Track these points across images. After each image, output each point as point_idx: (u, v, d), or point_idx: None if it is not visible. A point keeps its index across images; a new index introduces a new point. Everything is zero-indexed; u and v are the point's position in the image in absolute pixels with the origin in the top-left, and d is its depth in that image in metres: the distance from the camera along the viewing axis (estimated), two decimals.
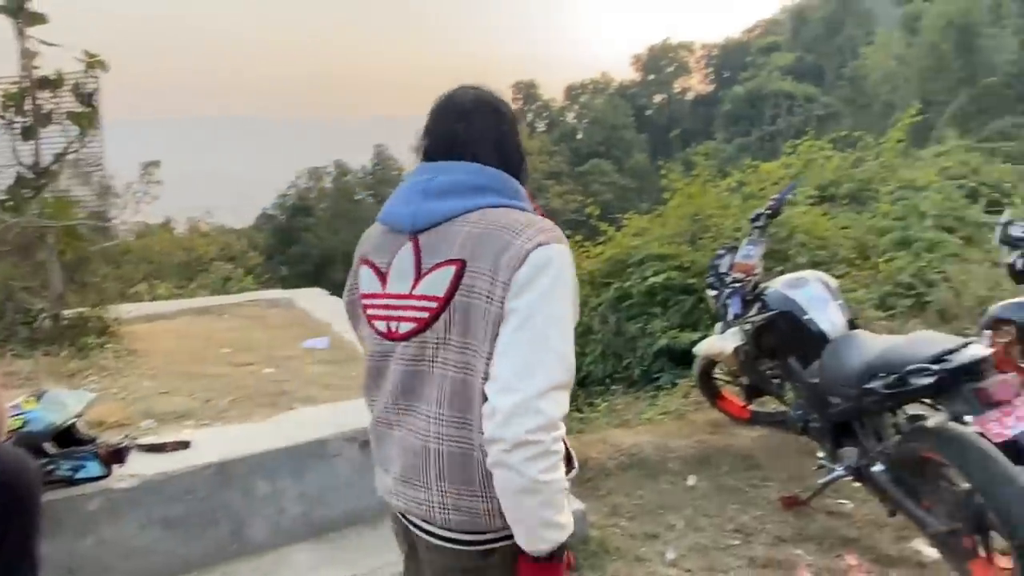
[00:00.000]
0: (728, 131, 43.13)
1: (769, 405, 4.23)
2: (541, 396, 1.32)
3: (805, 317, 3.35)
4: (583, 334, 8.45)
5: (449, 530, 1.48)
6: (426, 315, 1.45)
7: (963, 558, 2.83)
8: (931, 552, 3.06)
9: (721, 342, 3.66)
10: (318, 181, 39.81)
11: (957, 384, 2.71)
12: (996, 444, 2.61)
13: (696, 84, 59.85)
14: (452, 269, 1.43)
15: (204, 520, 2.86)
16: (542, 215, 1.57)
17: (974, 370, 2.69)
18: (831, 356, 3.17)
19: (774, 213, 3.83)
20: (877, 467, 3.04)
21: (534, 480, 1.32)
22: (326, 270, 34.60)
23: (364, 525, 3.05)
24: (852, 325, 3.32)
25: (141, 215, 18.89)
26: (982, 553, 2.80)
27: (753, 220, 3.81)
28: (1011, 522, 2.54)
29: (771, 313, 3.48)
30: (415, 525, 1.55)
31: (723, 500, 3.60)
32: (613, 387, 7.04)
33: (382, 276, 1.55)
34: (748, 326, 3.60)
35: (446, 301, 1.42)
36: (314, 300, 5.46)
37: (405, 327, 1.49)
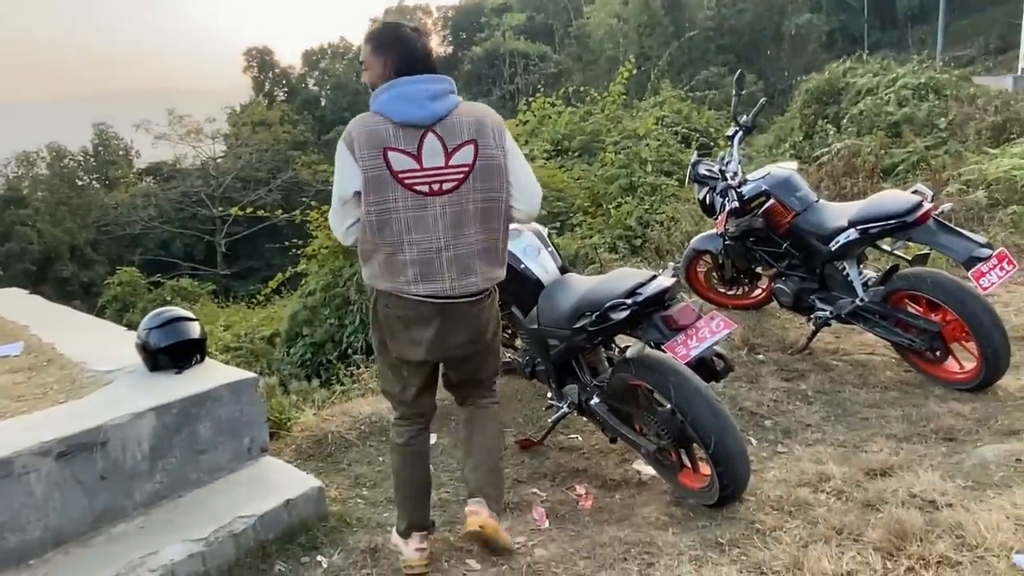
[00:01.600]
0: (471, 91, 43.90)
1: (505, 355, 4.37)
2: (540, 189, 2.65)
3: (521, 267, 3.46)
4: (341, 305, 8.28)
5: (481, 291, 2.59)
6: (462, 176, 2.45)
7: (673, 471, 3.10)
8: (649, 471, 3.33)
9: None
10: (30, 168, 35.37)
11: (649, 314, 2.93)
12: (686, 364, 2.87)
13: (436, 46, 59.99)
14: (472, 147, 2.45)
15: None
16: None
17: (661, 299, 2.93)
18: (546, 301, 3.31)
19: None
20: (595, 400, 3.25)
21: None
22: (52, 266, 31.06)
23: (73, 543, 2.75)
24: (563, 270, 3.48)
25: None
26: (687, 464, 3.09)
27: None
28: (703, 433, 2.81)
29: None
30: (460, 299, 2.55)
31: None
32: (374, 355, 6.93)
33: (415, 157, 2.40)
34: None
35: (472, 166, 2.45)
36: (8, 302, 4.81)
37: (448, 186, 2.44)
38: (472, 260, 2.51)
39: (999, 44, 33.34)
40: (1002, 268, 3.57)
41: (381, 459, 3.65)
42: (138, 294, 19.71)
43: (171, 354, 3.23)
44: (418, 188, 2.40)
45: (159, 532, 2.76)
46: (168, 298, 17.72)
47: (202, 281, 24.30)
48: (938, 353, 3.88)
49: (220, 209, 31.68)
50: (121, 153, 39.59)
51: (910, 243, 4.06)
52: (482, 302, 2.62)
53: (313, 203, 9.75)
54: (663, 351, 2.94)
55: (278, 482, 3.10)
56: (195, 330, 3.32)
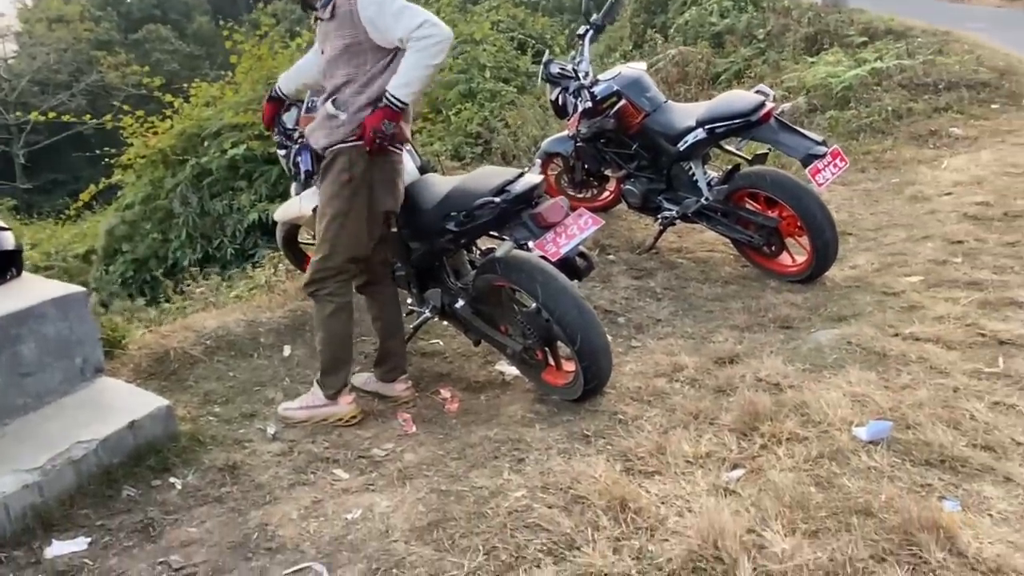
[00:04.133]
0: None
1: None
2: None
3: None
4: (164, 219, 7.71)
5: None
6: None
7: (537, 370, 3.13)
8: (512, 371, 3.35)
9: (298, 204, 3.46)
10: None
11: (517, 213, 2.88)
12: (553, 263, 2.86)
13: None
14: None
15: None
16: None
17: (529, 197, 2.88)
18: (406, 203, 3.17)
19: None
20: (459, 303, 3.18)
21: None
22: None
23: None
24: (423, 170, 3.35)
25: None
26: (551, 362, 3.12)
27: None
28: (569, 330, 2.83)
29: None
30: None
31: None
32: (206, 270, 6.56)
33: None
34: None
35: None
36: None
37: None
38: None
39: None
40: (835, 165, 3.79)
41: (231, 374, 3.45)
42: None
43: None
44: None
45: None
46: None
47: None
48: (774, 248, 4.11)
49: (18, 114, 28.23)
50: None
51: (752, 142, 4.21)
52: None
53: (126, 107, 8.87)
54: (529, 250, 2.91)
55: (119, 403, 2.86)
56: (8, 240, 2.93)
